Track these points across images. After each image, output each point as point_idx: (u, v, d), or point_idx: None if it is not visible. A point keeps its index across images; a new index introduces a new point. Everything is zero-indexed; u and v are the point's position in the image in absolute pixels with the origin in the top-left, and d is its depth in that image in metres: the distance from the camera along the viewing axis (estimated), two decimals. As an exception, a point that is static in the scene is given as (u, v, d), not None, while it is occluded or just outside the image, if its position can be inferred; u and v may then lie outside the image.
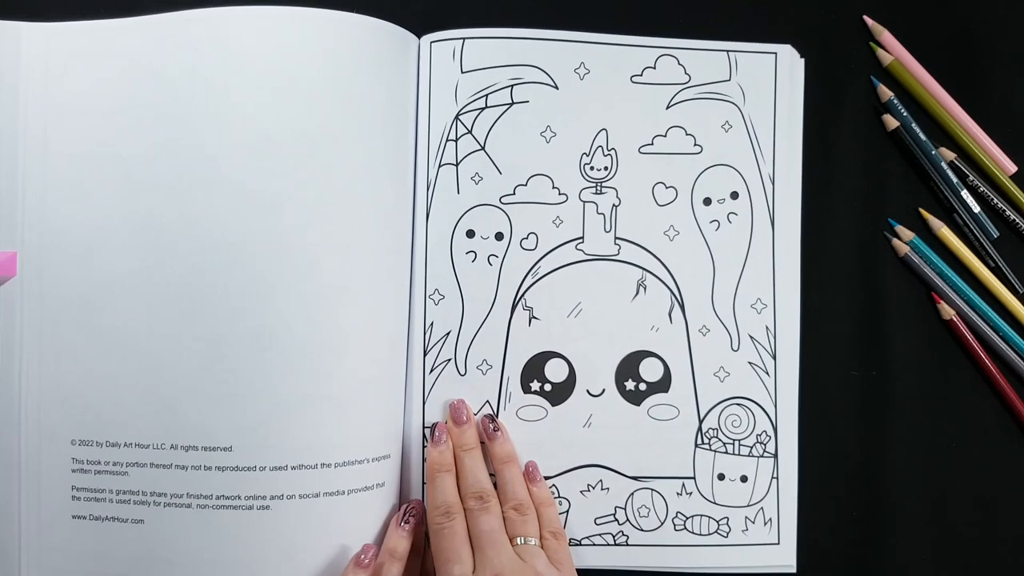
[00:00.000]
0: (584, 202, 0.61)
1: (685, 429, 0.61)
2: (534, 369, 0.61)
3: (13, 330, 0.58)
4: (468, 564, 0.55)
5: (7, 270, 0.57)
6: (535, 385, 0.61)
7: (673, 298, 0.62)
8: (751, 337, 0.62)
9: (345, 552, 0.57)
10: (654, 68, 0.62)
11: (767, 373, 0.62)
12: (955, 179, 0.63)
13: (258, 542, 0.56)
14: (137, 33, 0.57)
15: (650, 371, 0.61)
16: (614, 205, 0.62)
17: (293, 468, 0.56)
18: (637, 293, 0.61)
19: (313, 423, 0.56)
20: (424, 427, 0.61)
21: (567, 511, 0.61)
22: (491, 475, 0.60)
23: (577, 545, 0.61)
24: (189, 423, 0.56)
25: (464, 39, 0.61)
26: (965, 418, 0.63)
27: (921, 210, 0.64)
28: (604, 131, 0.62)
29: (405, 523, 0.58)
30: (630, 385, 0.61)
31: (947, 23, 0.65)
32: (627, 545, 0.61)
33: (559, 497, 0.61)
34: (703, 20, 0.63)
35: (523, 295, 0.61)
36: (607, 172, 0.62)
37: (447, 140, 0.61)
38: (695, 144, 0.62)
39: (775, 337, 0.62)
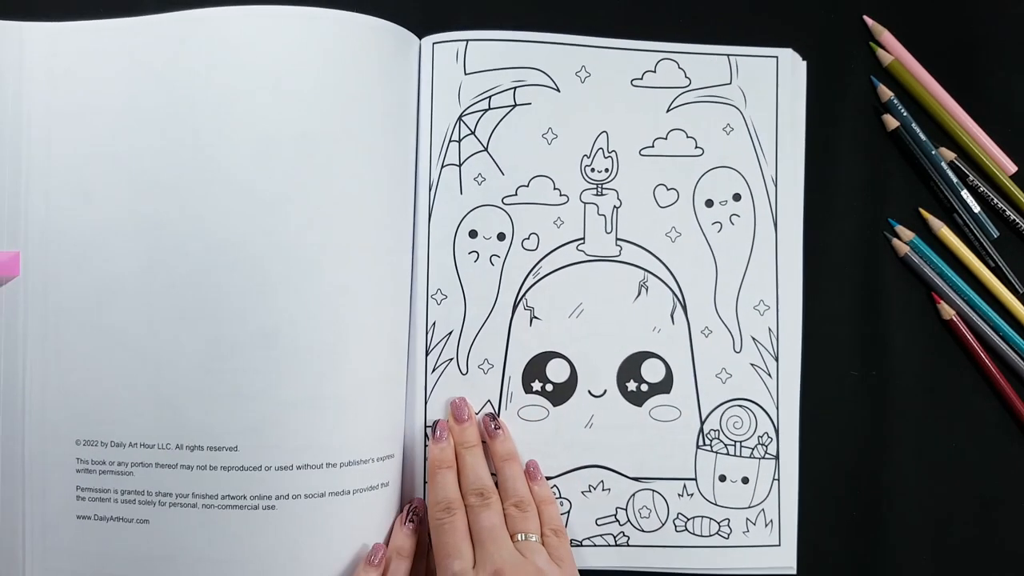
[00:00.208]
0: (585, 203, 0.62)
1: (687, 430, 0.62)
2: (535, 369, 0.61)
3: (17, 330, 0.58)
4: (468, 559, 0.55)
5: (10, 270, 0.57)
6: (536, 385, 0.61)
7: (675, 299, 0.62)
8: (753, 339, 0.62)
9: (351, 552, 0.58)
10: (654, 72, 0.62)
11: (769, 375, 0.62)
12: (955, 179, 0.63)
13: (264, 542, 0.56)
14: (138, 33, 0.57)
15: (652, 372, 0.62)
16: (615, 207, 0.62)
17: (298, 468, 0.56)
18: (639, 294, 0.62)
19: (317, 423, 0.56)
20: (426, 427, 0.61)
21: (568, 511, 0.62)
22: (492, 474, 0.60)
23: (578, 546, 0.61)
24: (194, 423, 0.56)
25: (468, 41, 0.61)
26: (965, 418, 0.63)
27: (921, 210, 0.64)
28: (604, 133, 0.62)
29: (409, 522, 0.59)
30: (632, 386, 0.62)
31: (947, 23, 0.65)
32: (628, 546, 0.61)
33: (560, 498, 0.61)
34: (703, 24, 0.63)
35: (524, 295, 0.61)
36: (608, 174, 0.62)
37: (450, 141, 0.61)
38: (696, 146, 0.62)
39: (777, 339, 0.62)
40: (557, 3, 0.63)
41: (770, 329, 0.62)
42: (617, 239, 0.62)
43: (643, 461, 0.62)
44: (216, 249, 0.56)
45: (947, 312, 0.63)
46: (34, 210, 0.58)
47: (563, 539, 0.58)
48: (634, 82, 0.62)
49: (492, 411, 0.61)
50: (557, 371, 0.62)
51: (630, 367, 0.62)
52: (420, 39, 0.61)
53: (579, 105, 0.62)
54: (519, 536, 0.56)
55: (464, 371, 0.61)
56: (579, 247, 0.62)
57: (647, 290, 0.62)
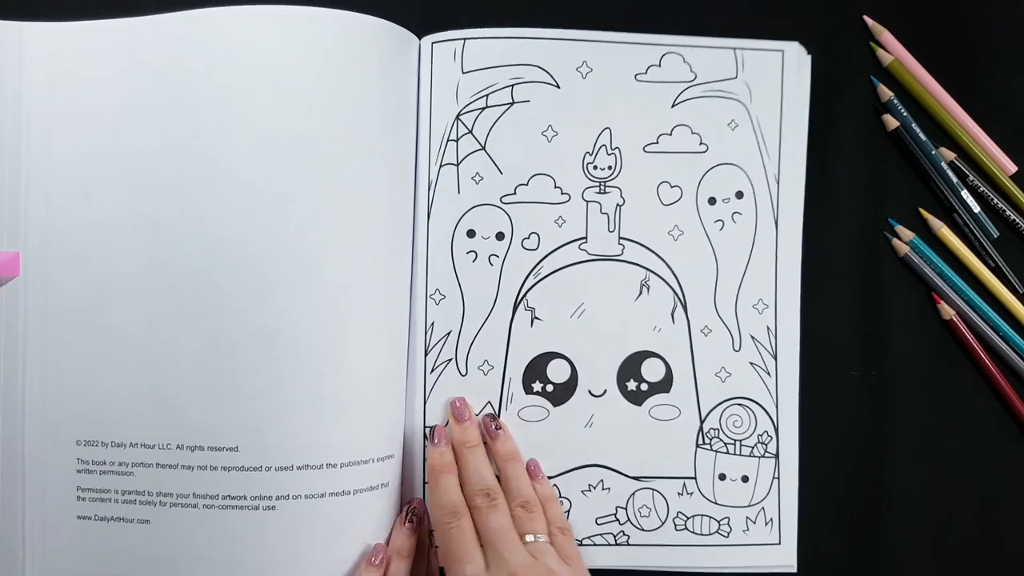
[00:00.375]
0: (587, 202, 0.61)
1: (686, 429, 0.62)
2: (536, 370, 0.61)
3: (17, 330, 0.58)
4: (480, 563, 0.54)
5: (10, 270, 0.57)
6: (537, 386, 0.61)
7: (676, 298, 0.62)
8: (752, 337, 0.62)
9: (350, 552, 0.58)
10: (659, 66, 0.62)
11: (768, 373, 0.62)
12: (955, 179, 0.63)
13: (264, 542, 0.56)
14: (138, 33, 0.57)
15: (652, 371, 0.62)
16: (618, 205, 0.62)
17: (299, 468, 0.56)
18: (640, 293, 0.62)
19: (317, 423, 0.56)
20: (425, 427, 0.61)
21: (568, 511, 0.61)
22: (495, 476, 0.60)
23: (578, 545, 0.61)
24: (194, 423, 0.56)
25: (465, 39, 0.61)
26: (965, 418, 0.63)
27: (921, 210, 0.64)
28: (608, 130, 0.61)
29: (409, 522, 0.59)
30: (632, 385, 0.62)
31: (947, 23, 0.65)
32: (628, 545, 0.62)
33: (560, 497, 0.61)
34: (702, 19, 0.63)
35: (525, 295, 0.61)
36: (611, 171, 0.62)
37: (448, 140, 0.61)
38: (701, 143, 0.62)
39: (776, 337, 0.62)
40: (559, 0, 0.63)
41: (769, 328, 0.62)
42: (620, 238, 0.62)
43: (643, 460, 0.62)
44: (216, 249, 0.56)
45: (947, 312, 0.63)
46: (34, 210, 0.58)
47: (569, 536, 0.58)
48: (638, 77, 0.62)
49: (492, 412, 0.61)
50: (558, 372, 0.62)
51: (630, 367, 0.62)
52: (420, 39, 0.61)
53: (580, 101, 0.61)
54: (528, 537, 0.56)
55: (463, 372, 0.61)
56: (581, 246, 0.61)
57: (648, 289, 0.62)
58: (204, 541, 0.56)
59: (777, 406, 0.62)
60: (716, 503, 0.62)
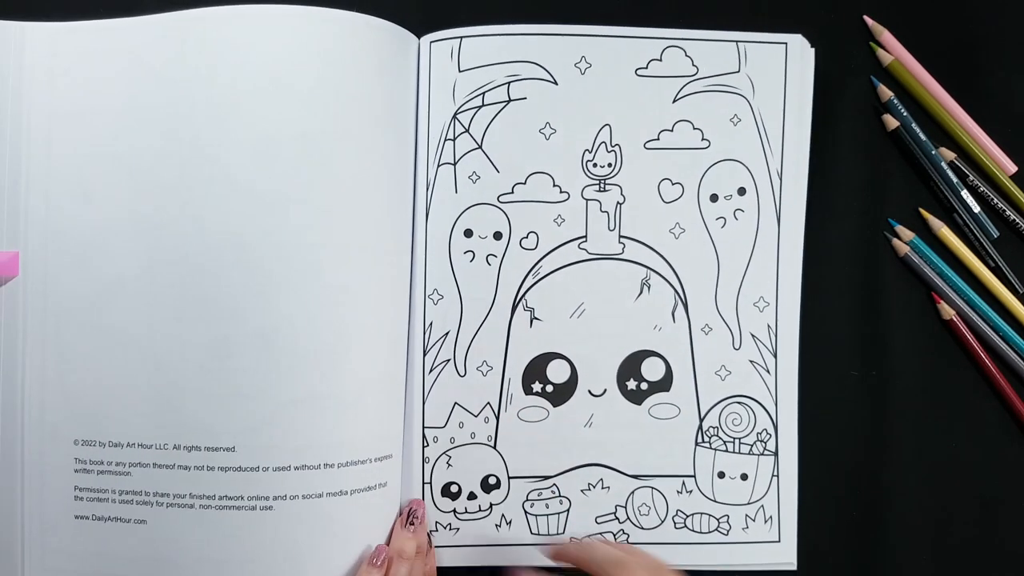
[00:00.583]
0: (587, 200, 0.61)
1: (686, 428, 0.62)
2: (536, 370, 0.61)
3: (16, 330, 0.58)
4: None
5: (10, 270, 0.57)
6: (536, 386, 0.61)
7: (677, 297, 0.62)
8: (752, 335, 0.62)
9: (349, 552, 0.58)
10: (660, 60, 0.61)
11: (768, 371, 0.62)
12: (955, 179, 0.63)
13: (261, 542, 0.56)
14: (138, 33, 0.57)
15: (652, 371, 0.61)
16: (618, 203, 0.61)
17: (296, 468, 0.56)
18: (641, 292, 0.61)
19: (316, 423, 0.56)
20: (424, 427, 0.61)
21: (568, 510, 0.61)
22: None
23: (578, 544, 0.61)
24: (192, 423, 0.56)
25: (462, 38, 0.61)
26: (965, 418, 0.63)
27: (921, 210, 0.64)
28: (607, 126, 0.61)
29: (410, 524, 0.59)
30: (631, 385, 0.61)
31: (947, 23, 0.65)
32: (628, 543, 0.61)
33: (560, 496, 0.61)
34: (701, 12, 0.63)
35: (524, 295, 0.61)
36: (611, 169, 0.61)
37: (445, 139, 0.61)
38: (703, 138, 0.62)
39: (776, 335, 0.62)
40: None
41: (769, 326, 0.62)
42: (620, 236, 0.61)
43: (642, 459, 0.61)
44: (215, 249, 0.56)
45: (947, 312, 0.63)
46: (34, 210, 0.58)
47: None
48: (638, 71, 0.61)
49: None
50: (557, 372, 0.61)
51: (630, 366, 0.61)
52: (419, 38, 0.61)
53: (579, 98, 0.61)
54: None
55: (462, 372, 0.61)
56: (581, 245, 0.61)
57: (649, 288, 0.61)
58: (201, 541, 0.56)
59: (776, 404, 0.62)
60: (715, 501, 0.62)
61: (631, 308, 0.61)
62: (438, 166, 0.61)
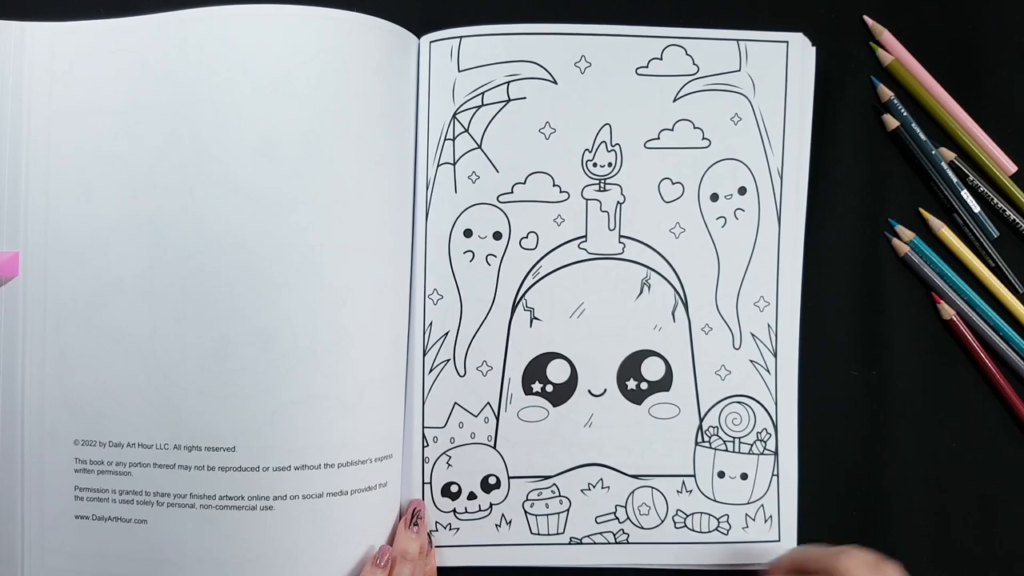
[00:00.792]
0: (587, 200, 0.61)
1: (686, 427, 0.62)
2: (536, 371, 0.61)
3: (16, 330, 0.58)
4: None
5: (10, 270, 0.57)
6: (536, 386, 0.61)
7: (677, 297, 0.61)
8: (753, 335, 0.62)
9: (349, 552, 0.58)
10: (660, 59, 0.61)
11: (768, 371, 0.62)
12: (955, 179, 0.63)
13: (262, 542, 0.56)
14: (138, 33, 0.57)
15: (652, 370, 0.61)
16: (618, 202, 0.61)
17: (296, 468, 0.56)
18: (641, 292, 0.61)
19: (316, 423, 0.56)
20: (424, 427, 0.61)
21: (568, 510, 0.61)
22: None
23: (578, 544, 0.61)
24: (192, 423, 0.56)
25: (461, 37, 0.61)
26: (965, 418, 0.63)
27: (921, 210, 0.64)
28: (608, 126, 0.61)
29: (414, 525, 0.59)
30: (632, 384, 0.61)
31: (947, 23, 0.65)
32: (628, 543, 0.61)
33: (560, 496, 0.61)
34: (702, 11, 0.63)
35: (524, 295, 0.61)
36: (611, 168, 0.61)
37: (445, 139, 0.61)
38: (703, 138, 0.61)
39: (776, 335, 0.62)
40: (558, -1, 0.63)
41: (769, 325, 0.62)
42: (620, 236, 0.61)
43: (642, 459, 0.61)
44: (216, 249, 0.56)
45: (947, 312, 0.63)
46: (34, 210, 0.58)
47: None
48: (639, 70, 0.61)
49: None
50: (557, 372, 0.61)
51: (630, 366, 0.61)
52: (419, 38, 0.61)
53: (579, 97, 0.61)
54: None
55: (462, 372, 0.61)
56: (581, 245, 0.61)
57: (649, 288, 0.61)
58: (201, 541, 0.56)
59: (776, 403, 0.62)
60: (715, 501, 0.62)
61: (631, 308, 0.61)
62: (438, 166, 0.61)
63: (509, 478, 0.61)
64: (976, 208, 0.63)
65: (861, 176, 0.64)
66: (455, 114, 0.61)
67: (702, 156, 0.61)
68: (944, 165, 0.63)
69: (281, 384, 0.56)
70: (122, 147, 0.57)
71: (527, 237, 0.61)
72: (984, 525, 0.62)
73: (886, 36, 0.64)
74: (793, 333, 0.62)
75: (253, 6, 0.56)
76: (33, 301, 0.58)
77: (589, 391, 0.61)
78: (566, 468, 0.61)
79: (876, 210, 0.64)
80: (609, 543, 0.61)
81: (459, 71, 0.61)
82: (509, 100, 0.61)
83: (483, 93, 0.61)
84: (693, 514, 0.62)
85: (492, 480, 0.61)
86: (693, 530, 0.62)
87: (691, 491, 0.62)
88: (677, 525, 0.62)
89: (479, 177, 0.61)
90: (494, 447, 0.61)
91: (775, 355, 0.62)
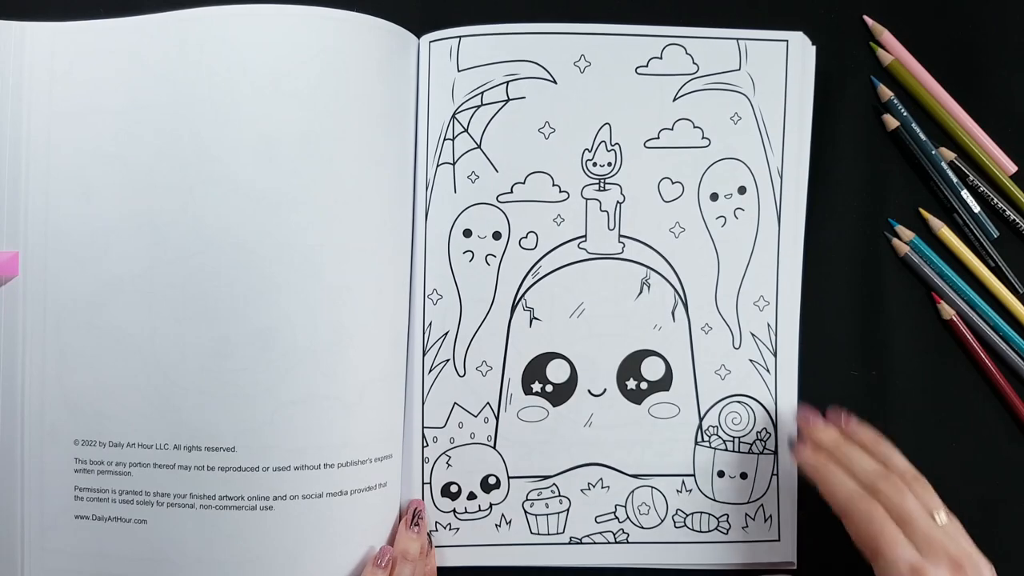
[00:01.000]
0: (587, 199, 0.61)
1: (685, 427, 0.62)
2: (536, 370, 0.61)
3: (16, 330, 0.58)
4: None
5: (10, 270, 0.57)
6: (536, 386, 0.61)
7: (677, 296, 0.61)
8: (752, 335, 0.62)
9: (349, 552, 0.58)
10: (660, 58, 0.61)
11: (768, 370, 0.62)
12: (955, 179, 0.63)
13: (261, 542, 0.56)
14: (138, 33, 0.57)
15: (652, 370, 0.61)
16: (618, 202, 0.61)
17: (296, 468, 0.56)
18: (641, 292, 0.61)
19: (316, 423, 0.56)
20: (424, 427, 0.61)
21: (567, 509, 0.61)
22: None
23: (578, 544, 0.61)
24: (192, 423, 0.56)
25: (460, 37, 0.61)
26: (965, 418, 0.63)
27: (921, 210, 0.64)
28: (607, 125, 0.61)
29: (415, 525, 0.59)
30: (631, 384, 0.61)
31: (947, 23, 0.65)
32: (627, 543, 0.61)
33: (559, 496, 0.61)
34: (701, 10, 0.63)
35: (523, 295, 0.61)
36: (611, 168, 0.61)
37: (444, 139, 0.61)
38: (703, 137, 0.61)
39: (776, 334, 0.62)
40: (558, -1, 0.63)
41: (769, 325, 0.62)
42: (620, 236, 0.61)
43: (642, 458, 0.61)
44: (215, 249, 0.56)
45: (947, 312, 0.63)
46: (34, 210, 0.58)
47: None
48: (638, 70, 0.61)
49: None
50: (557, 372, 0.61)
51: (630, 366, 0.61)
52: (419, 38, 0.61)
53: (578, 96, 0.61)
54: None
55: (461, 372, 0.61)
56: (580, 245, 0.61)
57: (649, 288, 0.61)
58: (201, 541, 0.56)
59: (776, 403, 0.62)
60: (715, 500, 0.62)
61: (631, 308, 0.61)
62: (437, 166, 0.61)
63: (509, 478, 0.61)
64: (976, 208, 0.63)
65: (861, 176, 0.64)
66: (454, 114, 0.61)
67: (702, 155, 0.61)
68: (944, 165, 0.63)
69: (281, 384, 0.56)
70: (122, 147, 0.57)
71: (527, 237, 0.61)
72: (984, 525, 0.62)
73: (886, 36, 0.64)
74: (793, 333, 0.62)
75: (253, 6, 0.56)
76: (33, 301, 0.58)
77: (589, 391, 0.61)
78: (566, 468, 0.61)
79: (876, 210, 0.64)
80: (609, 543, 0.61)
81: (458, 71, 0.61)
82: (508, 100, 0.61)
83: (482, 93, 0.61)
84: (693, 514, 0.62)
85: (492, 480, 0.61)
86: (693, 530, 0.62)
87: (691, 491, 0.62)
88: (677, 525, 0.62)
89: (479, 177, 0.61)
90: (494, 447, 0.61)
91: (775, 355, 0.62)
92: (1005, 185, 0.64)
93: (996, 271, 0.63)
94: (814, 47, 0.62)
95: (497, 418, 0.61)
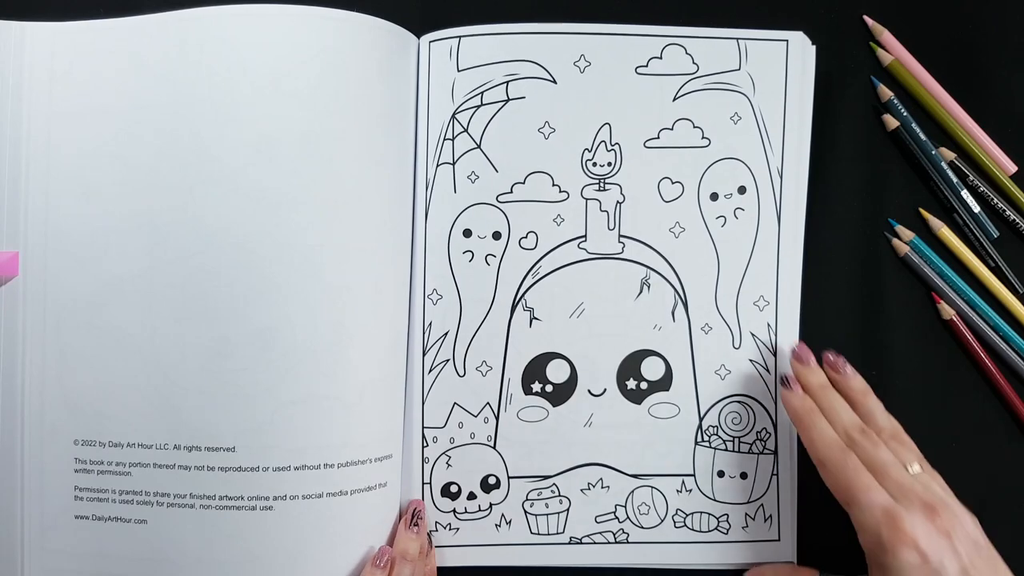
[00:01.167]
0: (587, 199, 0.61)
1: (685, 427, 0.62)
2: (536, 370, 0.61)
3: (16, 330, 0.58)
4: None
5: (10, 270, 0.57)
6: (536, 386, 0.61)
7: (677, 296, 0.61)
8: (752, 334, 0.62)
9: (349, 552, 0.58)
10: (660, 58, 0.61)
11: (767, 370, 0.62)
12: (955, 179, 0.63)
13: (261, 543, 0.56)
14: (138, 33, 0.57)
15: (652, 370, 0.61)
16: (618, 202, 0.61)
17: (296, 468, 0.56)
18: (641, 292, 0.61)
19: (316, 423, 0.56)
20: (424, 427, 0.61)
21: (567, 509, 0.61)
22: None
23: (578, 544, 0.61)
24: (192, 423, 0.56)
25: (460, 37, 0.61)
26: (965, 418, 0.63)
27: (921, 210, 0.64)
28: (607, 125, 0.61)
29: (414, 525, 0.59)
30: (631, 384, 0.61)
31: (947, 23, 0.65)
32: (627, 543, 0.61)
33: (559, 496, 0.61)
34: (701, 10, 0.63)
35: (523, 295, 0.61)
36: (611, 168, 0.61)
37: (444, 139, 0.61)
38: (703, 137, 0.61)
39: (776, 334, 0.62)
40: (558, -1, 0.63)
41: (769, 324, 0.62)
42: (620, 236, 0.61)
43: (642, 458, 0.61)
44: (216, 249, 0.56)
45: (947, 312, 0.63)
46: (34, 210, 0.58)
47: None
48: (638, 70, 0.61)
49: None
50: (557, 372, 0.61)
51: (630, 366, 0.61)
52: (419, 38, 0.61)
53: (578, 96, 0.61)
54: None
55: (461, 372, 0.61)
56: (580, 245, 0.61)
57: (649, 288, 0.61)
58: (201, 541, 0.56)
59: (776, 403, 0.62)
60: (715, 500, 0.62)
61: (631, 308, 0.61)
62: (437, 166, 0.61)
63: (509, 478, 0.61)
64: (976, 208, 0.63)
65: (861, 176, 0.64)
66: (454, 114, 0.61)
67: (702, 155, 0.61)
68: (944, 165, 0.63)
69: (281, 384, 0.56)
70: (122, 147, 0.57)
71: (526, 237, 0.61)
72: (984, 525, 0.62)
73: (886, 36, 0.64)
74: (793, 333, 0.62)
75: (253, 6, 0.56)
76: (33, 301, 0.58)
77: (589, 391, 0.61)
78: (566, 468, 0.61)
79: (876, 210, 0.64)
80: (609, 543, 0.61)
81: (458, 71, 0.61)
82: (508, 100, 0.61)
83: (482, 93, 0.61)
84: (693, 513, 0.62)
85: (492, 480, 0.61)
86: (693, 529, 0.62)
87: (691, 491, 0.62)
88: (677, 525, 0.62)
89: (478, 177, 0.61)
90: (494, 447, 0.61)
91: (775, 355, 0.62)
92: (1005, 185, 0.64)
93: (996, 271, 0.63)
94: (814, 47, 0.62)
95: (497, 418, 0.61)
